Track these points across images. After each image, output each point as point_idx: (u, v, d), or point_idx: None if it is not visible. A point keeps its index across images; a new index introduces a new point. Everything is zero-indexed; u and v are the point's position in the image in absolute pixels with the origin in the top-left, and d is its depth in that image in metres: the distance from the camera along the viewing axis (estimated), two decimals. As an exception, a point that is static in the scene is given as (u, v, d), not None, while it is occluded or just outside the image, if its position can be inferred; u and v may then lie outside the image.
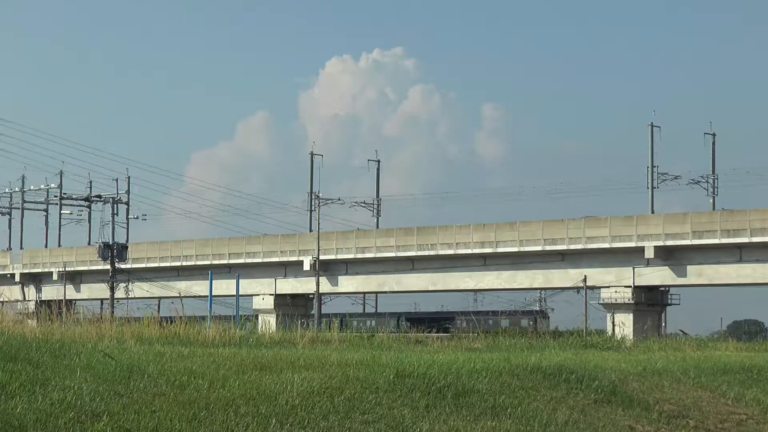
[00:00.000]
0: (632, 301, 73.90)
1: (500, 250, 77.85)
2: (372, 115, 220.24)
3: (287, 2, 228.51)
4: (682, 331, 80.00)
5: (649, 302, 75.49)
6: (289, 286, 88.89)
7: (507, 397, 18.63)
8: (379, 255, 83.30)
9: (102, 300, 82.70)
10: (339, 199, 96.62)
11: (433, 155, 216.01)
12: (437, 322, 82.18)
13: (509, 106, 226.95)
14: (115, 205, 76.27)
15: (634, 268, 73.83)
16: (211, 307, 49.81)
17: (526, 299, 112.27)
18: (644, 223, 73.48)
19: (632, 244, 72.71)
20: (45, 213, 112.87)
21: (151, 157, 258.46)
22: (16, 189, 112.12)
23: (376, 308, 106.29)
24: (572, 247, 74.93)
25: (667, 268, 73.03)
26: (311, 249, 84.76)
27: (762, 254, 69.38)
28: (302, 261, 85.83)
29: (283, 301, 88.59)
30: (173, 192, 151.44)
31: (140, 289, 79.41)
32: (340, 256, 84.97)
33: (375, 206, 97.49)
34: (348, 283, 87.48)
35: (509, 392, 19.12)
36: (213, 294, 55.19)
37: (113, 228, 73.63)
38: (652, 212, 79.00)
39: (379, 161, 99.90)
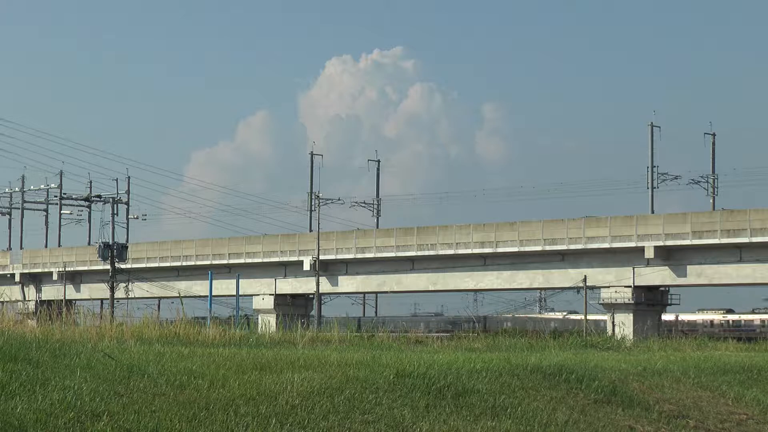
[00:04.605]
0: (632, 301, 73.82)
1: (500, 250, 77.75)
2: (372, 115, 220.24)
3: (287, 2, 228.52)
4: (681, 330, 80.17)
5: (649, 302, 75.43)
6: (289, 286, 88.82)
7: (507, 397, 18.62)
8: (379, 255, 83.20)
9: (102, 300, 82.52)
10: (339, 199, 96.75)
11: (433, 155, 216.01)
12: None
13: (509, 106, 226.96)
14: (115, 205, 75.93)
15: (634, 268, 73.73)
16: (211, 307, 49.91)
17: (526, 299, 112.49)
18: (644, 223, 73.40)
19: (632, 244, 72.62)
20: (45, 213, 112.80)
21: (151, 157, 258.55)
22: (16, 189, 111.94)
23: (376, 309, 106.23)
24: (572, 247, 74.83)
25: (667, 268, 72.95)
26: (311, 249, 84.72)
27: (762, 254, 69.29)
28: (302, 261, 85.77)
29: (283, 301, 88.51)
30: (173, 192, 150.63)
31: (140, 289, 79.34)
32: (340, 256, 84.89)
33: (375, 206, 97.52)
34: (348, 283, 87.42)
35: (509, 392, 19.10)
36: (213, 294, 55.28)
37: (113, 228, 73.47)
38: (652, 212, 78.94)
39: (379, 161, 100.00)
